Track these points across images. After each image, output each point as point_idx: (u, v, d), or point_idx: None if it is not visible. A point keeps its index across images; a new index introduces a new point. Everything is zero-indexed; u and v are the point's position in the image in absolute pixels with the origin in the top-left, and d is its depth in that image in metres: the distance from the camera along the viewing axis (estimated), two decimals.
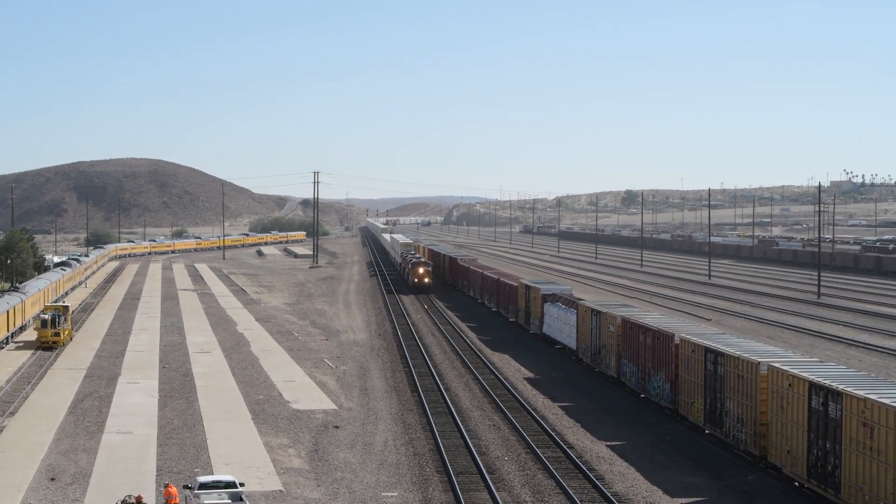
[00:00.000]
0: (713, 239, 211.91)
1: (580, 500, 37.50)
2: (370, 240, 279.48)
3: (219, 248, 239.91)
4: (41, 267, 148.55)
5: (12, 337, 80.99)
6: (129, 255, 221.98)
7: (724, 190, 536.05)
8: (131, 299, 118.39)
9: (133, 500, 34.29)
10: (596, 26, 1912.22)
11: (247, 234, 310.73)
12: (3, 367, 67.80)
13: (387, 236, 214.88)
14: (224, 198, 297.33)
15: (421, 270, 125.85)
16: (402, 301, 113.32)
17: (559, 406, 55.72)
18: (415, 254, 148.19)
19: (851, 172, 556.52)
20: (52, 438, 47.55)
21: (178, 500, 35.22)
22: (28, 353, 74.79)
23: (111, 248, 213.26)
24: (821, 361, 44.78)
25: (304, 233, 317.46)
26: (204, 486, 34.98)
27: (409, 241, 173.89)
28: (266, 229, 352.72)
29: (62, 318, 78.68)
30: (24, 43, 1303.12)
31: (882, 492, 32.30)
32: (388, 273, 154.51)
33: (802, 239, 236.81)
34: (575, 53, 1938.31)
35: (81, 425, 50.50)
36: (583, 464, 42.77)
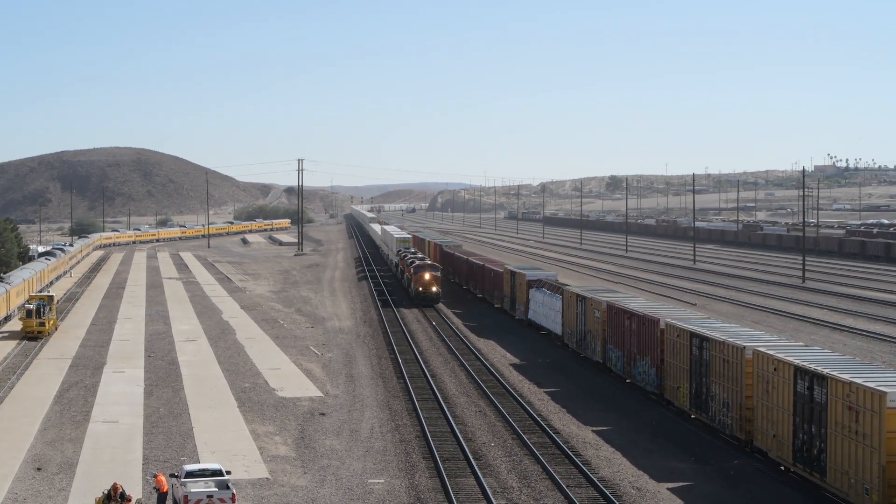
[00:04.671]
0: (698, 224, 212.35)
1: (566, 486, 37.56)
2: (356, 228, 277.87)
3: (203, 236, 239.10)
4: (25, 257, 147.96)
5: None
6: (114, 245, 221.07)
7: (709, 175, 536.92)
8: (116, 288, 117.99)
9: (110, 491, 33.77)
10: (581, 12, 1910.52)
11: (231, 223, 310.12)
12: None
13: (376, 227, 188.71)
14: (208, 186, 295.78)
15: (427, 277, 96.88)
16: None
17: (545, 391, 55.81)
18: (415, 252, 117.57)
19: (835, 157, 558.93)
20: (37, 428, 47.41)
21: (167, 488, 35.19)
22: (13, 342, 74.47)
23: (96, 238, 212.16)
24: (806, 346, 44.89)
25: (289, 220, 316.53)
26: (190, 474, 34.96)
27: (406, 235, 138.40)
28: (250, 217, 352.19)
29: (47, 308, 78.34)
30: (7, 33, 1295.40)
31: (867, 475, 32.44)
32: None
33: (787, 223, 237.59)
34: (560, 40, 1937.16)
35: (67, 415, 50.35)
36: (569, 449, 42.85)
